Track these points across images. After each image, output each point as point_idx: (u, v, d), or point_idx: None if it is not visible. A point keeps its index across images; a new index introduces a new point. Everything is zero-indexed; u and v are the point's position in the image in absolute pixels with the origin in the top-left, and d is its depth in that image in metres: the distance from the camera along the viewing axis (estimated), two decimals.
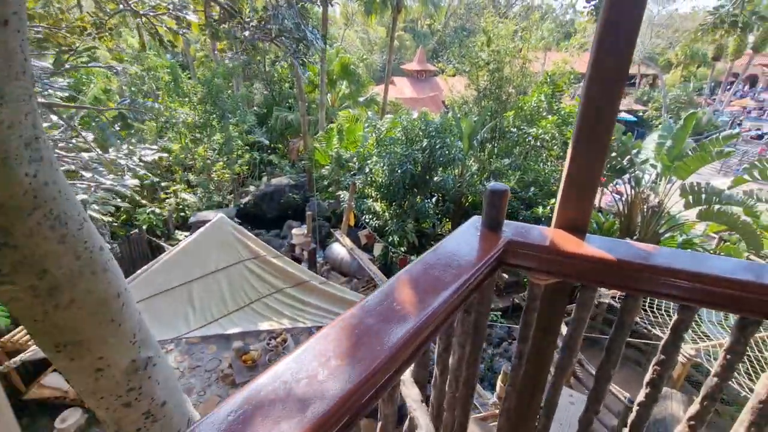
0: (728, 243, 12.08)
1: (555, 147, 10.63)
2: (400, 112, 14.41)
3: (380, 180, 11.07)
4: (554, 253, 1.31)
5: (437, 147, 10.57)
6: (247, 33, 5.97)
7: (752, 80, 49.44)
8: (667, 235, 10.89)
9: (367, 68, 41.73)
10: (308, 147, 14.75)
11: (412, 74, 36.33)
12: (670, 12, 37.00)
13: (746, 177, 9.54)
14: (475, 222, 1.42)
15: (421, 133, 11.30)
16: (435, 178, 11.27)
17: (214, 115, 13.56)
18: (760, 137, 31.14)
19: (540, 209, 10.39)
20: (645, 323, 7.51)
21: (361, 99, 18.63)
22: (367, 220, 11.72)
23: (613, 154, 10.83)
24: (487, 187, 1.34)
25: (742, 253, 9.97)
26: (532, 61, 13.85)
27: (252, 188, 14.86)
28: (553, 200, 10.62)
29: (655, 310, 7.63)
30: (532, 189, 10.91)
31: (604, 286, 1.39)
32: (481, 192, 12.01)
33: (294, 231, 10.47)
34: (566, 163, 1.37)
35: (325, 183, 13.73)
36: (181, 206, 12.48)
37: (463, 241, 1.32)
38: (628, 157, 10.51)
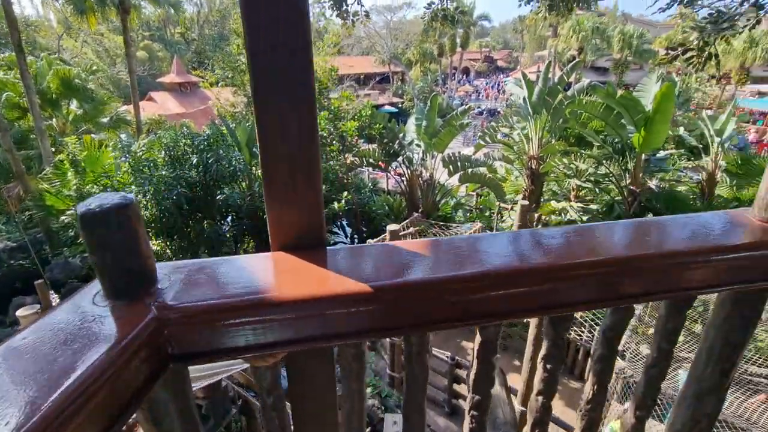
0: (483, 197, 14.88)
1: (334, 142, 10.78)
2: (163, 129, 12.16)
3: (147, 214, 8.98)
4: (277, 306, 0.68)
5: (211, 162, 9.21)
6: None
7: (466, 71, 64.21)
8: (442, 202, 12.60)
9: (113, 84, 34.77)
10: (31, 191, 10.90)
11: (173, 87, 32.18)
12: (401, 18, 44.06)
13: (482, 143, 11.82)
14: (90, 291, 0.64)
15: (189, 150, 9.68)
16: (219, 197, 9.88)
17: None
18: (481, 113, 40.61)
19: (336, 204, 10.37)
20: None
21: (104, 120, 15.02)
22: None
23: (385, 140, 11.75)
24: (77, 211, 0.58)
25: (493, 202, 12.38)
26: None
27: None
28: (346, 192, 10.79)
29: None
30: (324, 187, 10.83)
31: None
32: None
33: (20, 313, 7.39)
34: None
35: (72, 233, 10.42)
36: None
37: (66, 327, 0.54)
38: (398, 141, 11.57)
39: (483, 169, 11.34)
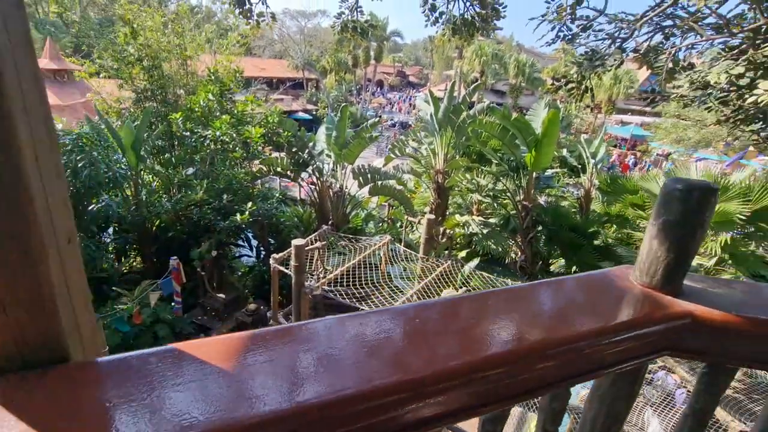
0: (394, 208, 15.10)
1: (237, 148, 10.00)
2: None
3: None
4: None
5: (83, 166, 7.87)
6: None
7: (380, 84, 65.94)
8: (353, 214, 12.46)
9: None
10: None
11: (47, 75, 27.55)
12: (315, 25, 43.65)
13: (392, 155, 11.97)
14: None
15: None
16: (92, 207, 8.49)
17: None
18: (394, 125, 41.81)
19: (238, 216, 9.59)
20: None
21: None
22: None
23: (294, 149, 11.27)
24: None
25: (402, 214, 12.60)
26: (192, 58, 12.56)
27: None
28: (250, 203, 10.05)
29: None
30: (225, 196, 9.96)
31: None
32: (179, 212, 10.06)
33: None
34: None
35: None
36: None
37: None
38: (307, 150, 11.17)
39: (393, 182, 11.47)
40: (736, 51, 5.04)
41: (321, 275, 8.11)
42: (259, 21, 8.38)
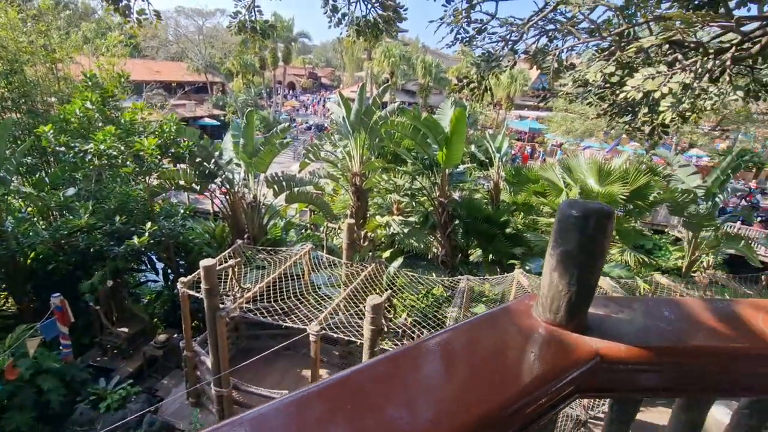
0: (315, 213, 14.71)
1: (128, 162, 8.85)
2: None
3: None
4: None
5: None
6: None
7: (292, 86, 64.27)
8: (271, 224, 11.84)
9: None
10: None
11: None
12: (215, 24, 40.93)
13: (307, 161, 11.59)
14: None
15: None
16: None
17: None
18: (309, 128, 40.91)
19: (136, 239, 8.52)
20: None
21: None
22: None
23: (198, 159, 10.36)
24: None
25: (323, 219, 12.29)
26: (64, 61, 10.90)
27: None
28: (150, 223, 8.99)
29: None
30: (119, 217, 8.78)
31: None
32: (61, 240, 8.55)
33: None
34: None
35: None
36: None
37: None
38: (213, 160, 10.34)
39: (310, 188, 11.11)
40: (606, 52, 5.62)
41: (238, 294, 7.51)
42: (140, 20, 7.49)
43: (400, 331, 8.26)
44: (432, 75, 34.86)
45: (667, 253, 15.30)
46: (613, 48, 5.63)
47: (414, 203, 10.71)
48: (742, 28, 4.44)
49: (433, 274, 10.19)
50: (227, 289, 7.78)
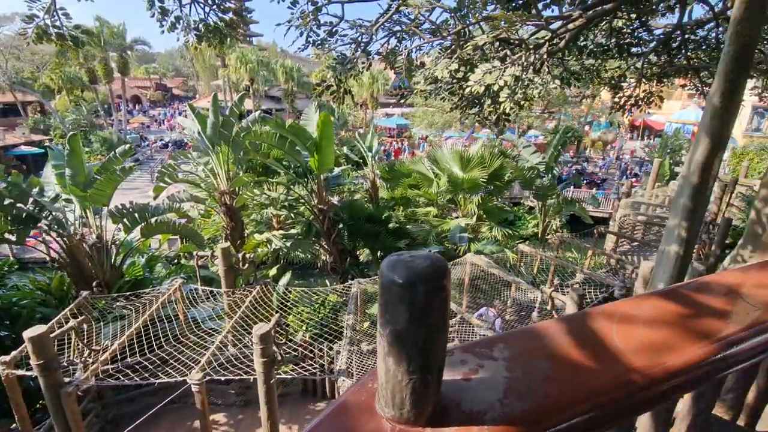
0: (187, 241, 13.04)
1: None
2: None
3: None
4: None
5: None
6: None
7: (137, 100, 56.54)
8: (127, 263, 10.08)
9: None
10: None
11: None
12: (15, 32, 33.35)
13: (162, 184, 10.12)
14: None
15: None
16: None
17: None
18: (166, 146, 36.41)
19: None
20: None
21: None
22: None
23: (9, 201, 8.22)
24: None
25: (195, 248, 10.92)
26: None
27: None
28: None
29: None
30: None
31: None
32: None
33: None
34: None
35: None
36: None
37: None
38: (32, 199, 8.31)
39: (172, 215, 9.75)
40: (449, 51, 6.00)
41: (90, 359, 6.11)
42: None
43: (299, 350, 7.81)
44: (295, 79, 34.13)
45: (526, 222, 17.62)
46: (453, 46, 6.04)
47: (293, 214, 10.22)
48: (550, 26, 5.11)
49: (327, 282, 9.89)
50: (74, 356, 6.30)
